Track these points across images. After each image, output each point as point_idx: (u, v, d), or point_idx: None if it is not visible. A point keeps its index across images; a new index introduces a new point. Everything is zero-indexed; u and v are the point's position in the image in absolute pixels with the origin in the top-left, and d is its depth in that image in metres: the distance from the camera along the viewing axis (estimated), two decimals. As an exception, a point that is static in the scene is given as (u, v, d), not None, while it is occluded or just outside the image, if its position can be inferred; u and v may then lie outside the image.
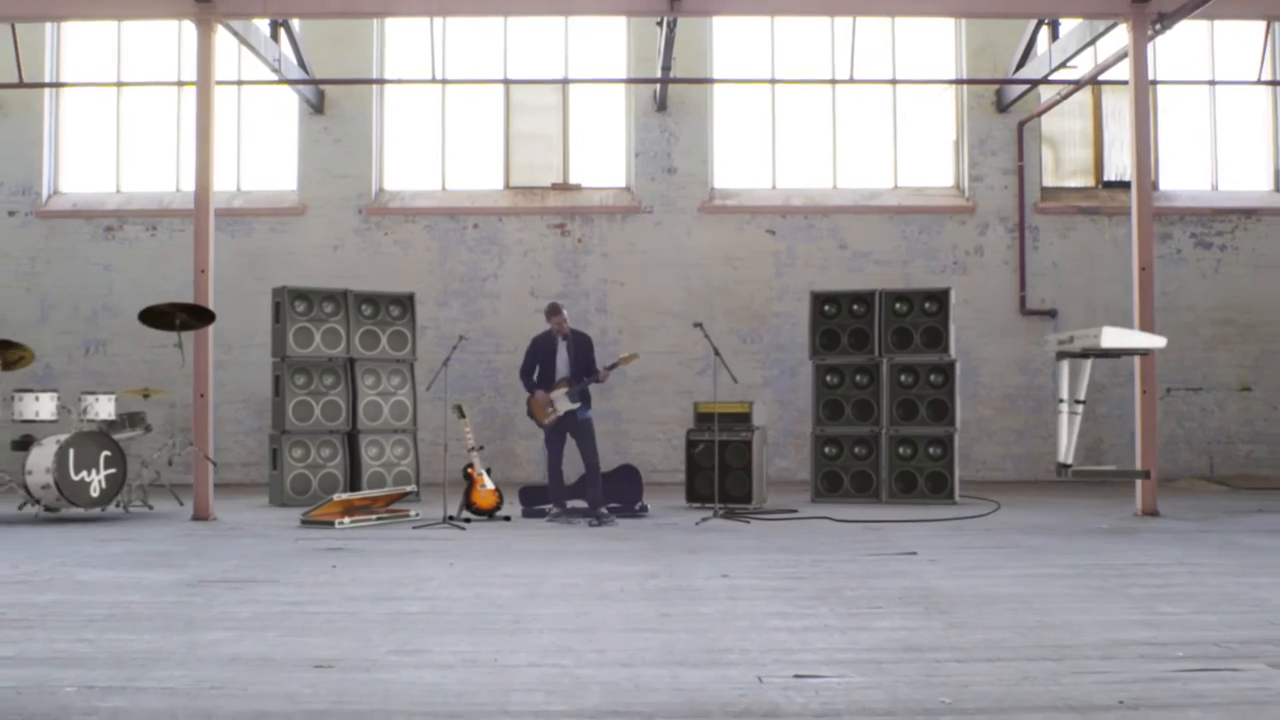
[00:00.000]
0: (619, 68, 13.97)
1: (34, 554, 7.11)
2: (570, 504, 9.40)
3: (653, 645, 4.33)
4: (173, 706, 3.49)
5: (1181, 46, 13.84)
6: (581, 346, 9.29)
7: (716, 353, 9.58)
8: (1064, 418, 8.45)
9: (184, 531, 8.48)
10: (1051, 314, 13.72)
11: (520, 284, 13.68)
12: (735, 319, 13.62)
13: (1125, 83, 10.01)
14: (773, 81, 13.75)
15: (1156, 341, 8.52)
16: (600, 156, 14.20)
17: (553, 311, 9.23)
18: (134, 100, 14.16)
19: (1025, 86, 13.13)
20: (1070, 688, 3.66)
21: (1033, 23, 12.43)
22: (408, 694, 3.63)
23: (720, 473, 10.04)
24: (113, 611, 5.09)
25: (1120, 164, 13.97)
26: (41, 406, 9.51)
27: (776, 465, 13.06)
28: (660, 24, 11.40)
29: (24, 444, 9.45)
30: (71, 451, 9.08)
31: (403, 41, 14.10)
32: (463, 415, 9.61)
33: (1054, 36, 11.88)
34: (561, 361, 9.24)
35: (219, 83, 9.97)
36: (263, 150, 14.16)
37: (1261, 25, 12.81)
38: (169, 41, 14.03)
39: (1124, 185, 13.63)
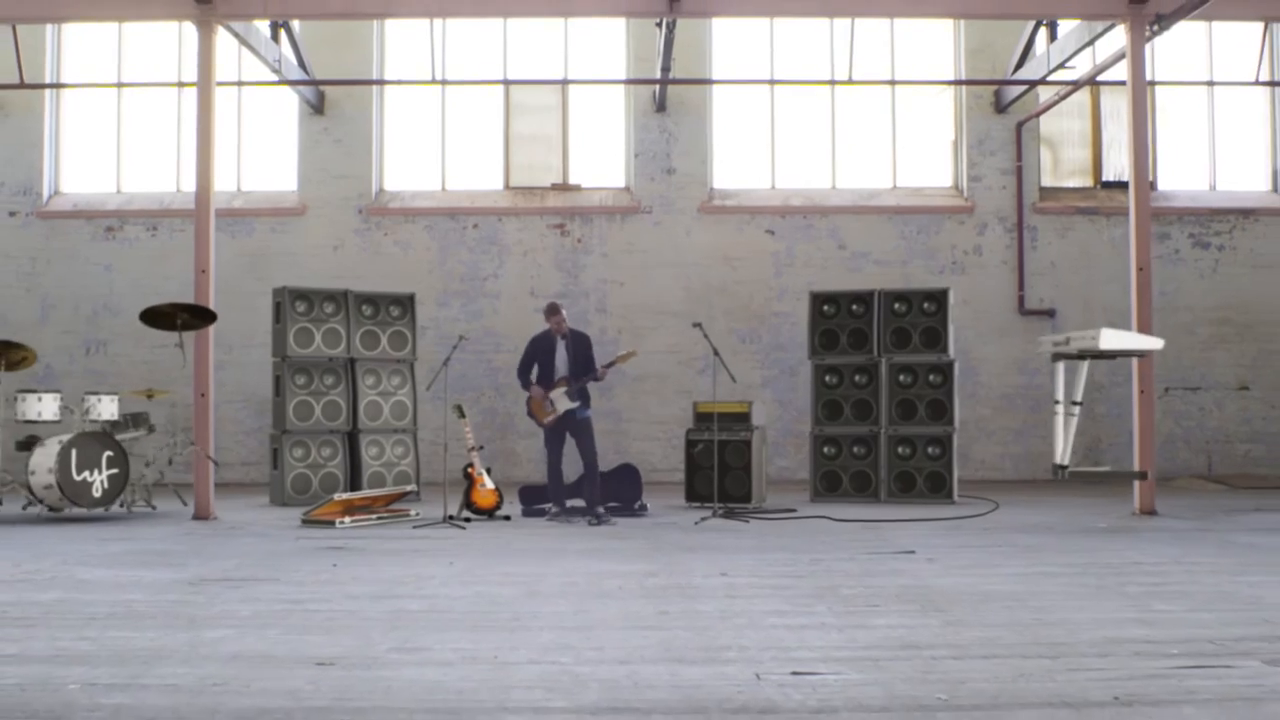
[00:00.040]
0: (618, 68, 14.01)
1: (35, 553, 7.14)
2: (570, 503, 9.44)
3: (651, 643, 4.36)
4: (176, 703, 3.52)
5: (1180, 47, 13.87)
6: (580, 346, 9.32)
7: (715, 353, 9.62)
8: (1060, 419, 8.48)
9: (185, 531, 8.52)
10: (1050, 314, 13.76)
11: (520, 284, 13.72)
12: (734, 319, 13.65)
13: (1123, 83, 10.04)
14: (772, 82, 13.79)
15: (1154, 343, 8.54)
16: (600, 157, 14.23)
17: (551, 311, 9.26)
18: (134, 101, 14.20)
19: (1024, 87, 13.16)
20: (1065, 685, 3.69)
21: (1031, 24, 12.46)
22: (409, 691, 3.67)
23: (719, 472, 10.07)
24: (114, 610, 5.12)
25: (1118, 164, 14.00)
26: (44, 407, 9.55)
27: (776, 465, 13.10)
28: (659, 25, 11.44)
29: (28, 444, 9.48)
30: (74, 452, 9.10)
31: (403, 42, 14.13)
32: (463, 415, 9.64)
33: (1052, 37, 11.91)
34: (560, 361, 9.28)
35: (219, 83, 10.00)
36: (263, 150, 14.19)
37: (1259, 26, 12.82)
38: (169, 42, 14.06)
39: (1122, 185, 13.66)
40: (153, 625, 4.76)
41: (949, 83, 13.79)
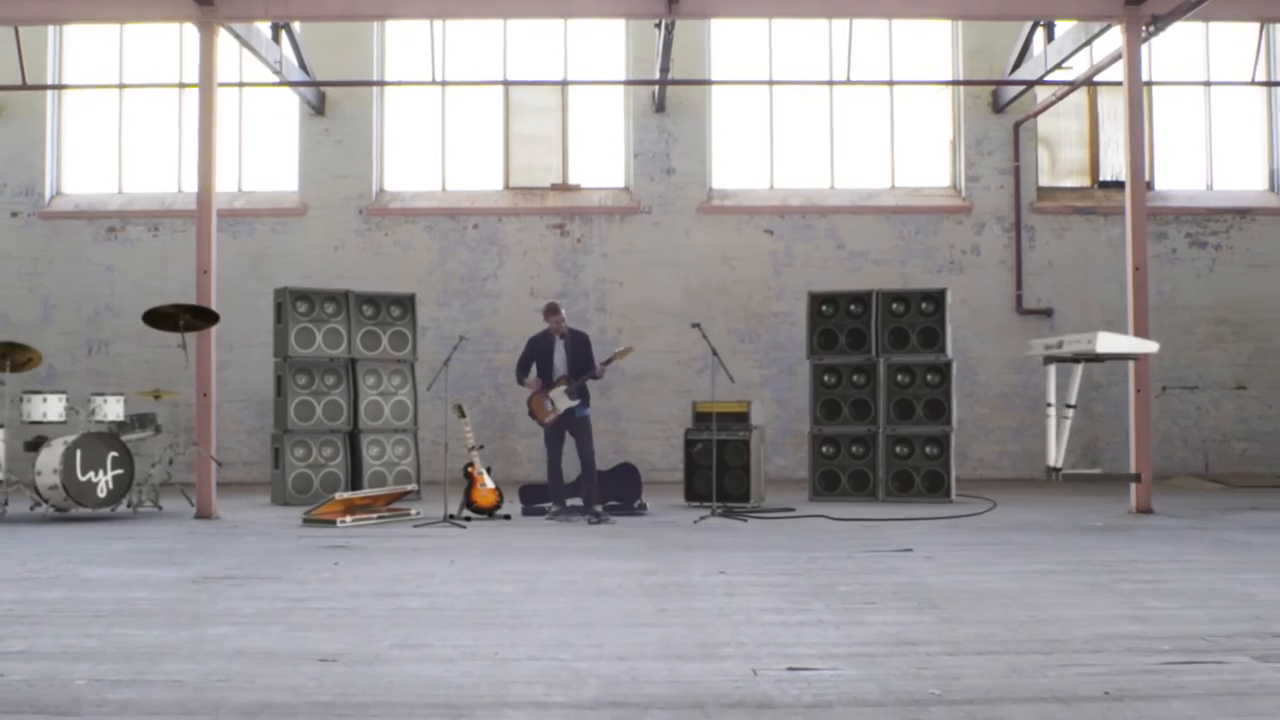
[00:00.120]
0: (618, 69, 14.06)
1: (39, 551, 7.20)
2: (570, 502, 9.48)
3: (650, 640, 4.42)
4: (181, 698, 3.58)
5: (1176, 47, 13.92)
6: (579, 345, 9.37)
7: (714, 353, 9.66)
8: (1052, 422, 8.53)
9: (187, 530, 8.57)
10: (1048, 313, 13.81)
11: (520, 284, 13.77)
12: (733, 318, 13.70)
13: (1120, 84, 10.09)
14: (770, 83, 13.85)
15: (1149, 346, 8.60)
16: (599, 157, 14.29)
17: (550, 311, 9.31)
18: (136, 102, 14.25)
19: (1021, 87, 13.21)
20: (1057, 680, 3.75)
21: (1028, 24, 12.51)
22: (410, 686, 3.72)
23: (718, 471, 10.12)
24: (119, 607, 5.18)
25: (1116, 164, 14.05)
26: (49, 408, 9.61)
27: (774, 464, 13.15)
28: (658, 26, 11.49)
29: (36, 445, 9.53)
30: (78, 452, 9.14)
31: (403, 43, 14.18)
32: (463, 415, 9.69)
33: (1049, 38, 11.96)
34: (559, 360, 9.33)
35: (221, 84, 10.05)
36: (264, 151, 14.24)
37: (1255, 27, 12.87)
38: (170, 43, 14.11)
39: (1120, 185, 13.70)
40: (157, 623, 4.82)
41: (947, 83, 13.85)
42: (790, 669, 3.91)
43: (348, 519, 8.82)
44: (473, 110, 14.24)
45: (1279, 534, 7.95)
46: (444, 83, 13.34)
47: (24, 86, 12.34)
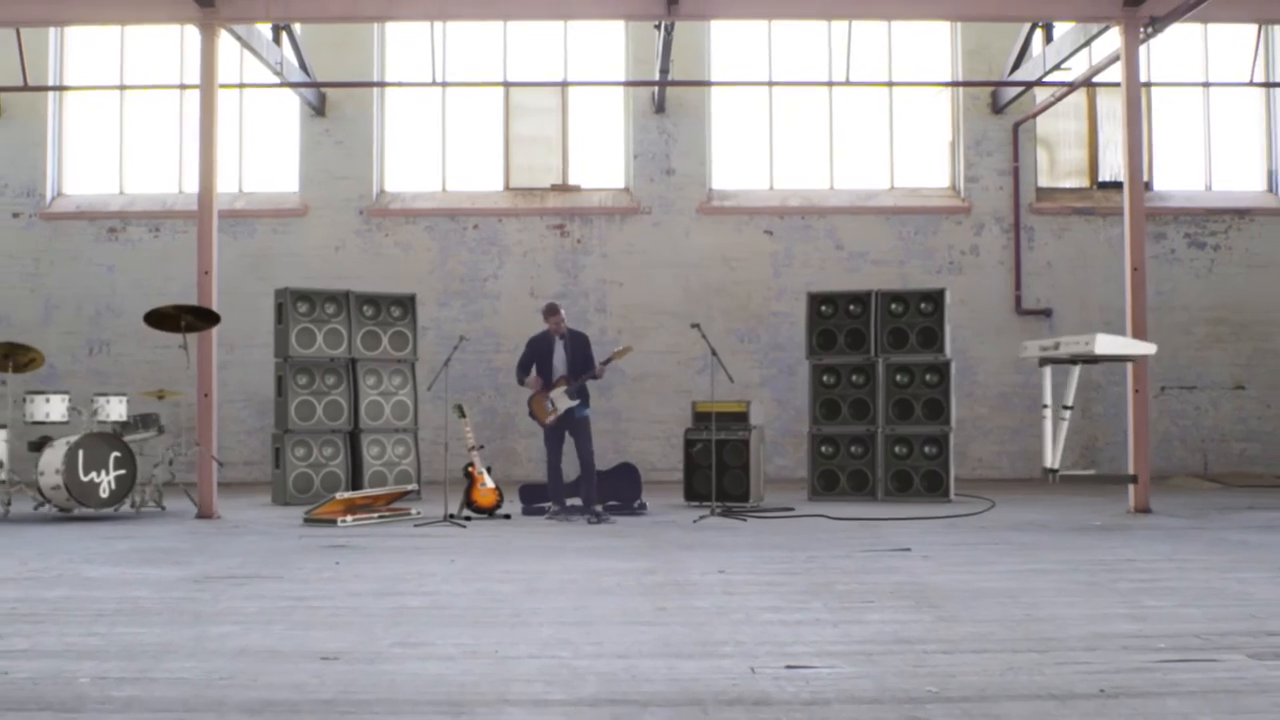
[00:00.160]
0: (618, 70, 14.09)
1: (41, 551, 7.23)
2: (570, 502, 9.51)
3: (649, 638, 4.45)
4: (185, 696, 3.61)
5: (1175, 48, 13.96)
6: (579, 345, 9.40)
7: (714, 353, 9.69)
8: (1048, 423, 8.55)
9: (189, 529, 8.60)
10: (1046, 313, 13.84)
11: (520, 284, 13.80)
12: (733, 319, 13.73)
13: (1119, 84, 10.12)
14: (770, 84, 13.88)
15: (1146, 349, 8.63)
16: (599, 158, 14.32)
17: (550, 312, 9.34)
18: (137, 103, 14.28)
19: (1020, 88, 13.25)
20: (1053, 677, 3.78)
21: (1027, 25, 12.54)
22: (412, 684, 3.75)
23: (718, 471, 10.14)
24: (121, 606, 5.21)
25: (1115, 165, 14.08)
26: (52, 408, 9.64)
27: (774, 464, 13.19)
28: (658, 27, 11.54)
29: (41, 445, 9.55)
30: (81, 453, 9.16)
31: (403, 44, 14.22)
32: (463, 415, 9.72)
33: (1048, 39, 11.98)
34: (559, 360, 9.36)
35: (222, 85, 10.08)
36: (264, 152, 14.28)
37: (1253, 28, 12.90)
38: (171, 45, 14.14)
39: (1118, 186, 13.71)
40: (159, 621, 4.85)
41: (946, 84, 13.88)
42: (788, 667, 3.94)
43: (348, 518, 8.85)
44: (473, 111, 14.27)
45: (1276, 533, 7.99)
46: (444, 84, 13.38)
47: (25, 88, 12.38)
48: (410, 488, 10.42)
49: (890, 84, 13.84)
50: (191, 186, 13.59)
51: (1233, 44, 13.95)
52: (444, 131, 14.27)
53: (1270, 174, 14.28)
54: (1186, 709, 3.40)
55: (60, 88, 13.99)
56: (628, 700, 3.54)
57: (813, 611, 5.00)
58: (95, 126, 14.35)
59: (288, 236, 13.90)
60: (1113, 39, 10.46)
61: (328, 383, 10.99)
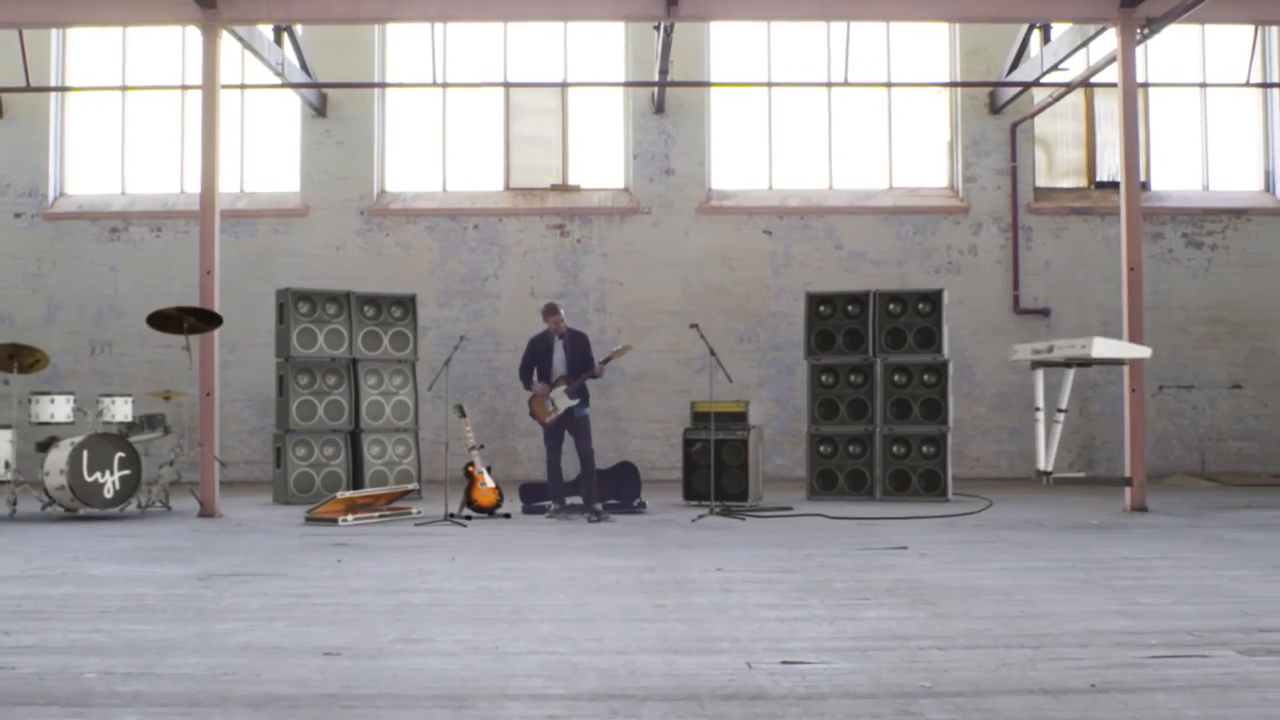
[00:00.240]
0: (617, 71, 14.15)
1: (46, 549, 7.28)
2: (569, 501, 9.56)
3: (648, 634, 4.50)
4: (190, 690, 3.67)
5: (1173, 49, 14.01)
6: (578, 345, 9.45)
7: (713, 353, 9.73)
8: (1041, 426, 8.59)
9: (191, 528, 8.65)
10: (1044, 313, 13.89)
11: (520, 284, 13.86)
12: (732, 319, 13.79)
13: (1116, 85, 10.17)
14: (769, 85, 13.93)
15: (1142, 352, 8.68)
16: (599, 158, 14.38)
17: (550, 311, 9.39)
18: (139, 103, 14.34)
19: (1018, 89, 13.30)
20: (1045, 673, 3.83)
21: (1025, 26, 12.59)
22: (413, 679, 3.81)
23: (717, 471, 10.19)
24: (126, 603, 5.26)
25: (1112, 165, 14.14)
26: (57, 409, 9.67)
27: (773, 463, 13.24)
28: (658, 28, 11.59)
29: (47, 445, 9.59)
30: (85, 453, 9.19)
31: (404, 45, 14.27)
32: (463, 414, 9.77)
33: (1046, 39, 12.04)
34: (559, 360, 9.41)
35: (223, 86, 10.14)
36: (266, 152, 14.34)
37: (1250, 28, 12.96)
38: (173, 45, 14.19)
39: (1116, 186, 13.71)
40: (164, 618, 4.90)
41: (944, 85, 13.94)
42: (784, 662, 3.99)
43: (349, 517, 8.90)
44: (473, 111, 14.33)
45: (1271, 532, 8.05)
46: (445, 84, 13.44)
47: (28, 88, 12.44)
48: (411, 487, 10.47)
49: (889, 84, 13.89)
50: (193, 187, 13.66)
51: (1230, 45, 13.99)
52: (444, 132, 14.33)
53: (1267, 174, 14.34)
54: (1175, 703, 3.45)
55: (62, 88, 14.05)
56: (626, 695, 3.59)
57: (809, 608, 5.05)
58: (97, 127, 14.40)
59: (289, 236, 13.95)
60: (1110, 40, 10.52)
61: (329, 382, 11.05)
